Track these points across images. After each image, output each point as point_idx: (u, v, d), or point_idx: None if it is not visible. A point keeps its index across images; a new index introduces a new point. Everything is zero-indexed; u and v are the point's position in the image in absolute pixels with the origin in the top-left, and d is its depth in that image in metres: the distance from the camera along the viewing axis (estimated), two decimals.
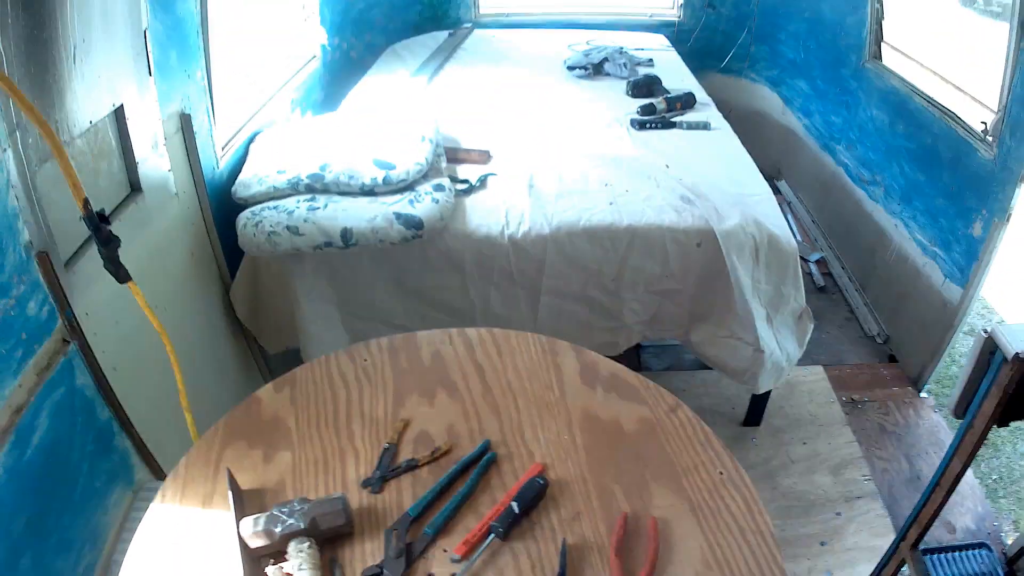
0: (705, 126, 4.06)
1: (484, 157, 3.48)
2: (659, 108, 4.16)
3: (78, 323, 1.94)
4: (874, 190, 4.58)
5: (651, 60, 4.97)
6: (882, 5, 4.68)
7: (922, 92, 4.02)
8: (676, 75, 4.78)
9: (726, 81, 6.30)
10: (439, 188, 3.01)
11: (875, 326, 4.38)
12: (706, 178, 3.36)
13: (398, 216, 2.83)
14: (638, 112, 4.12)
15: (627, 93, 4.44)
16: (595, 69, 4.73)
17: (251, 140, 3.41)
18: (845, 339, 4.59)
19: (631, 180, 3.27)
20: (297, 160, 3.02)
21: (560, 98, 4.39)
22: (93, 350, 1.99)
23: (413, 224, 2.81)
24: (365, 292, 3.03)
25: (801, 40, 5.66)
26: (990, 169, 3.36)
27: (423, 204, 2.88)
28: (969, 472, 2.57)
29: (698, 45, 6.10)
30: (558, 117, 4.07)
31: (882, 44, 4.52)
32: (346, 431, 1.72)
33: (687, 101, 4.30)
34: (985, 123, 3.48)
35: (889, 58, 4.50)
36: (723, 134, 4.00)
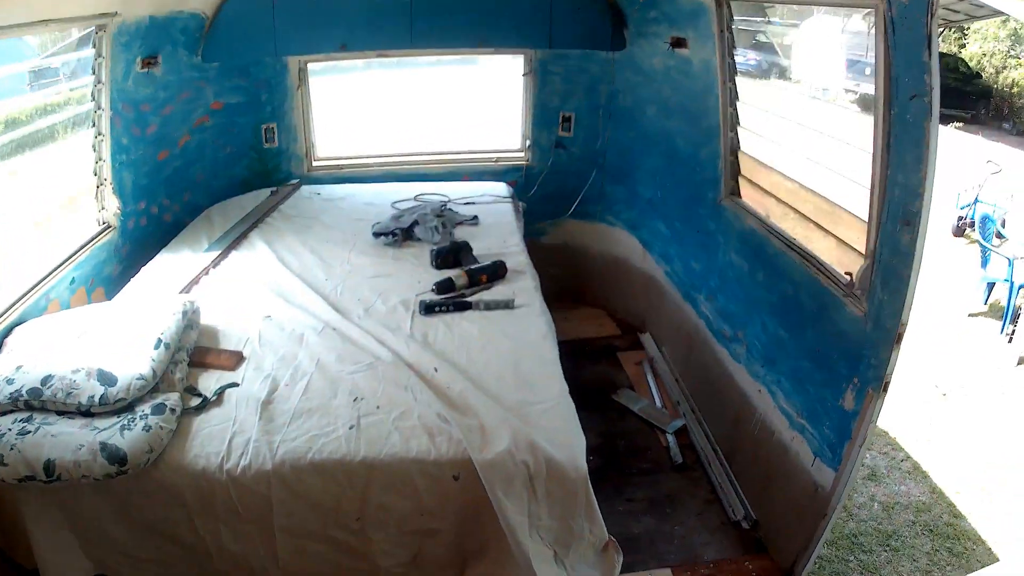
0: (507, 305, 3.59)
1: (235, 360, 3.13)
2: (458, 283, 3.71)
3: None
4: (736, 348, 4.14)
5: (476, 217, 4.62)
6: (736, 133, 4.37)
7: (780, 233, 3.68)
8: (499, 235, 4.44)
9: (583, 227, 6.04)
10: (158, 410, 2.67)
11: (741, 508, 3.80)
12: (487, 379, 3.01)
13: (103, 447, 2.48)
14: (433, 289, 3.69)
15: (431, 264, 3.98)
16: (405, 234, 4.32)
17: (7, 333, 3.16)
18: (704, 528, 3.82)
19: (387, 392, 2.93)
20: (29, 367, 2.75)
21: (354, 275, 3.98)
22: None
23: (117, 459, 2.46)
24: (94, 521, 2.65)
25: (657, 177, 5.33)
26: (860, 327, 2.94)
27: (134, 432, 2.54)
28: None
29: (549, 189, 5.83)
30: (342, 300, 3.70)
31: (739, 177, 4.22)
32: None
33: (495, 272, 3.85)
34: (851, 274, 3.07)
35: (748, 194, 4.17)
36: (527, 314, 3.58)
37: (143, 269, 3.94)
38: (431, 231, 4.29)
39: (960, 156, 12.28)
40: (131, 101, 4.29)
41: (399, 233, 4.27)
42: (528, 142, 5.80)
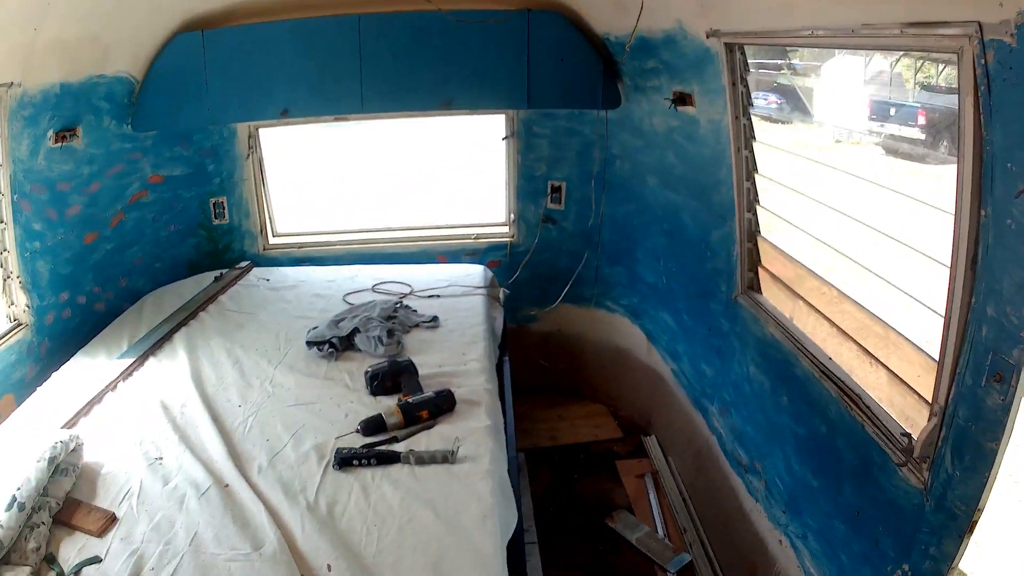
0: (446, 458, 2.75)
1: (104, 523, 2.53)
2: (390, 422, 2.94)
3: None
4: (753, 482, 3.55)
5: (435, 319, 3.93)
6: (755, 214, 3.58)
7: (811, 352, 3.02)
8: (460, 343, 3.72)
9: (578, 313, 5.40)
10: None
11: None
12: None
13: None
14: (359, 429, 2.93)
15: (366, 388, 3.24)
16: (344, 343, 3.62)
17: None
18: None
19: None
20: None
21: (272, 401, 3.27)
22: None
23: None
24: None
25: (661, 260, 4.71)
26: (918, 503, 2.25)
27: None
28: None
29: (539, 270, 5.23)
30: (247, 441, 2.99)
31: (759, 270, 3.62)
32: None
33: (438, 406, 3.05)
34: (910, 435, 2.34)
35: (770, 291, 3.55)
36: (471, 474, 2.74)
37: (53, 376, 3.46)
38: (374, 341, 3.56)
39: None
40: (44, 180, 3.78)
41: (336, 344, 3.55)
42: (513, 216, 5.21)
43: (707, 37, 3.39)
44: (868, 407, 2.58)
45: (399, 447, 2.87)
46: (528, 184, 5.07)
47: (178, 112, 4.51)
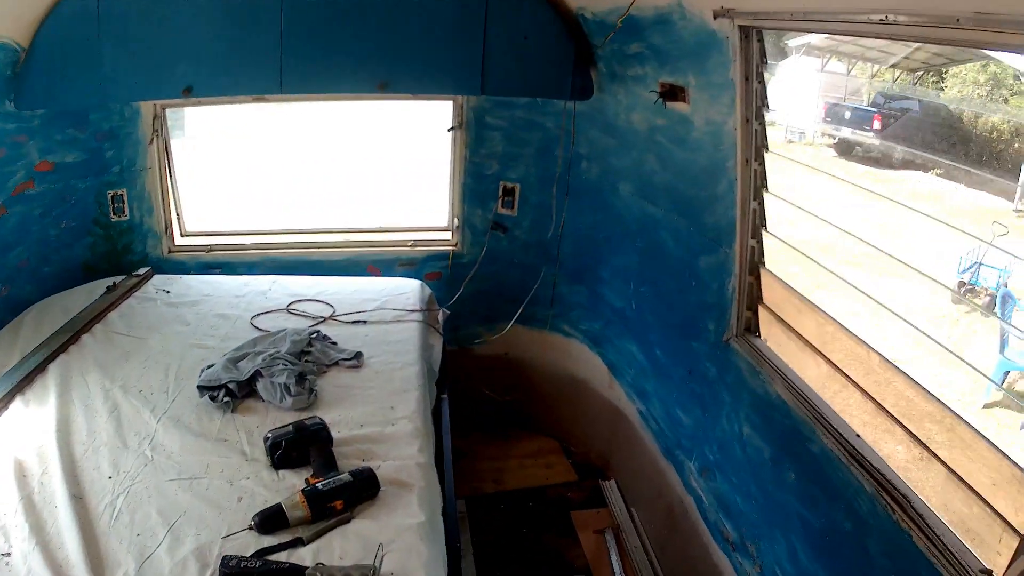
0: None
1: None
2: (292, 517, 2.24)
3: None
4: (744, 564, 3.01)
5: (358, 356, 3.28)
6: (760, 241, 3.00)
7: (836, 427, 2.49)
8: (388, 390, 3.06)
9: (530, 336, 4.80)
10: None
11: None
12: None
13: None
14: (254, 523, 2.23)
15: (267, 458, 2.57)
16: (243, 388, 2.92)
17: None
18: None
19: None
20: None
21: (149, 474, 2.55)
22: None
23: None
24: None
25: (632, 283, 4.12)
26: None
27: None
28: None
29: (486, 285, 4.65)
30: (111, 535, 2.26)
31: (759, 308, 3.07)
32: None
33: (360, 492, 2.39)
34: (990, 572, 1.81)
35: (776, 338, 2.98)
36: None
37: None
38: (280, 390, 2.85)
39: (949, 207, 11.83)
40: None
41: (234, 391, 2.87)
42: (457, 221, 4.62)
43: (715, 18, 2.70)
44: (922, 517, 2.07)
45: (305, 554, 2.14)
46: (477, 184, 4.49)
47: (69, 87, 3.68)
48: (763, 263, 3.03)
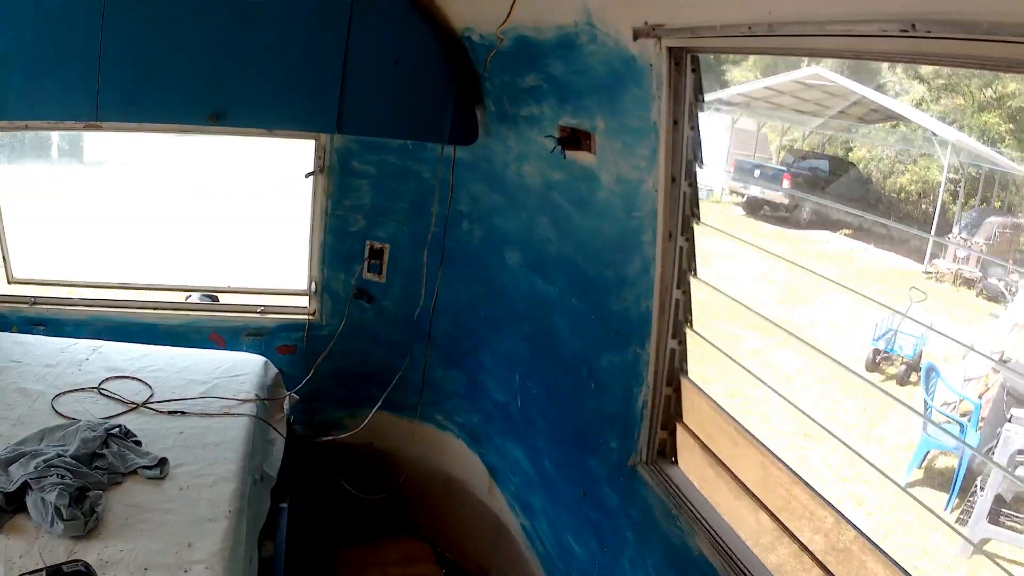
0: None
1: None
2: None
3: None
4: None
5: (161, 464, 2.65)
6: (683, 342, 2.33)
7: None
8: (187, 520, 2.42)
9: (398, 424, 4.04)
10: None
11: None
12: None
13: None
14: None
15: None
16: (11, 500, 2.34)
17: None
18: None
19: None
20: None
21: None
22: None
23: None
24: None
25: (516, 373, 3.35)
26: None
27: None
28: None
29: (347, 363, 3.96)
30: None
31: (676, 427, 2.38)
32: None
33: None
34: None
35: (698, 467, 2.32)
36: None
37: None
38: (49, 510, 2.27)
39: (860, 268, 11.78)
40: None
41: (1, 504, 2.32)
42: (315, 286, 3.93)
43: (636, 38, 1.97)
44: None
45: None
46: (339, 243, 3.81)
47: None
48: (685, 371, 2.29)
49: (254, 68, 3.01)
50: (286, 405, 3.34)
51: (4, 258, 3.88)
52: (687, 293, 2.20)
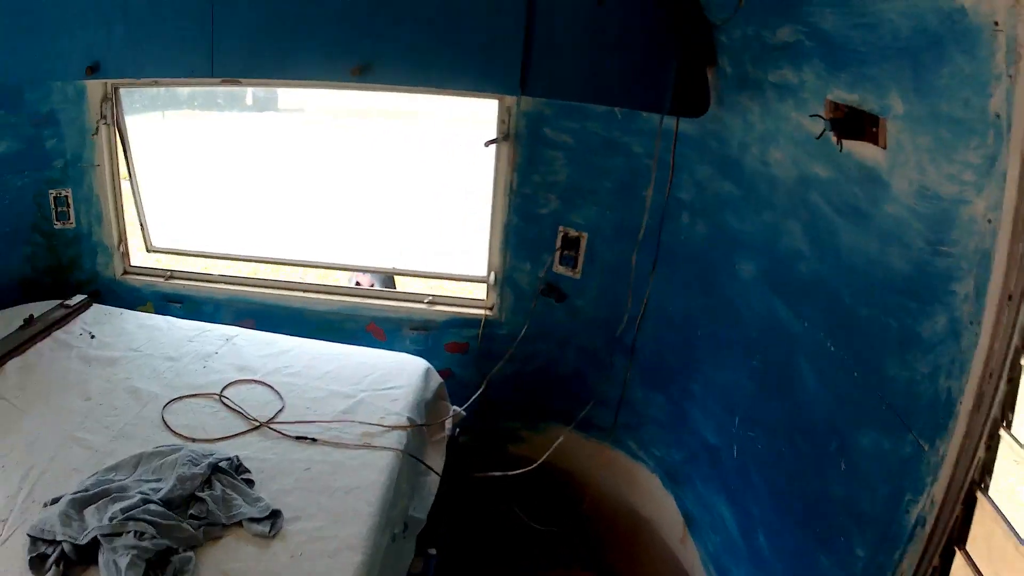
0: None
1: None
2: None
3: None
4: None
5: (274, 515, 2.19)
6: (995, 445, 1.50)
7: None
8: None
9: (584, 446, 3.42)
10: None
11: None
12: None
13: None
14: None
15: None
16: (79, 554, 1.98)
17: None
18: None
19: None
20: None
21: None
22: None
23: None
24: None
25: (735, 414, 2.57)
26: None
27: None
28: None
29: (529, 369, 3.41)
30: None
31: (957, 552, 1.61)
32: None
33: None
34: None
35: None
36: None
37: None
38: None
39: None
40: None
41: (70, 554, 1.98)
42: (495, 276, 3.38)
43: None
44: None
45: None
46: (526, 227, 3.23)
47: None
48: (987, 486, 1.51)
49: (411, 13, 2.48)
50: (449, 424, 2.82)
51: (142, 224, 3.66)
52: (1015, 381, 1.41)
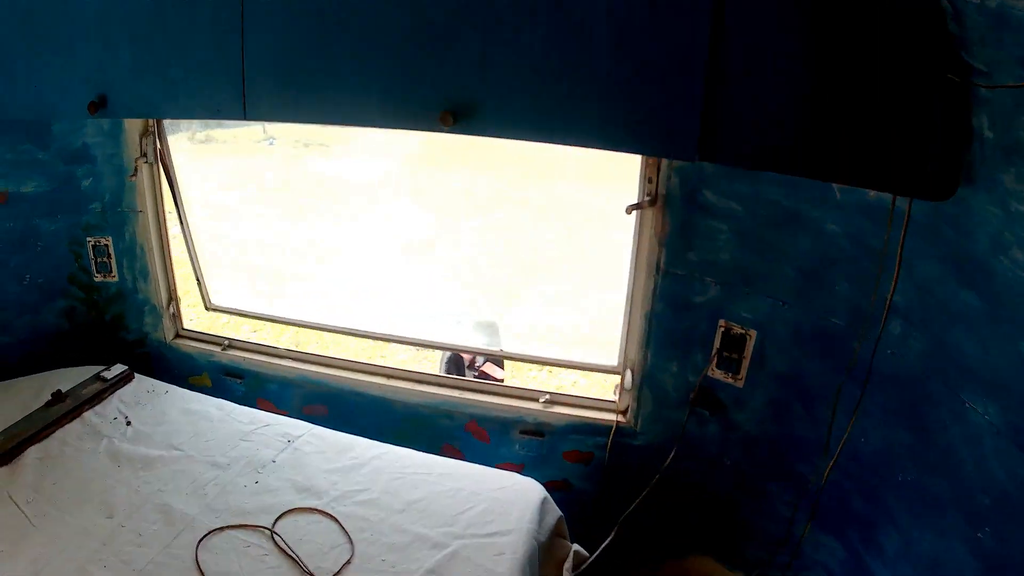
0: None
1: None
2: None
3: None
4: None
5: None
6: None
7: None
8: None
9: None
10: None
11: None
12: None
13: None
14: None
15: None
16: None
17: None
18: None
19: None
20: None
21: None
22: None
23: None
24: None
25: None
26: None
27: None
28: None
29: (670, 491, 2.63)
30: None
31: None
32: None
33: None
34: None
35: None
36: None
37: None
38: None
39: None
40: None
41: None
42: (632, 375, 2.65)
43: None
44: None
45: None
46: (675, 317, 2.51)
47: None
48: None
49: (526, 33, 1.72)
50: (568, 567, 2.20)
51: (198, 279, 3.22)
52: None
